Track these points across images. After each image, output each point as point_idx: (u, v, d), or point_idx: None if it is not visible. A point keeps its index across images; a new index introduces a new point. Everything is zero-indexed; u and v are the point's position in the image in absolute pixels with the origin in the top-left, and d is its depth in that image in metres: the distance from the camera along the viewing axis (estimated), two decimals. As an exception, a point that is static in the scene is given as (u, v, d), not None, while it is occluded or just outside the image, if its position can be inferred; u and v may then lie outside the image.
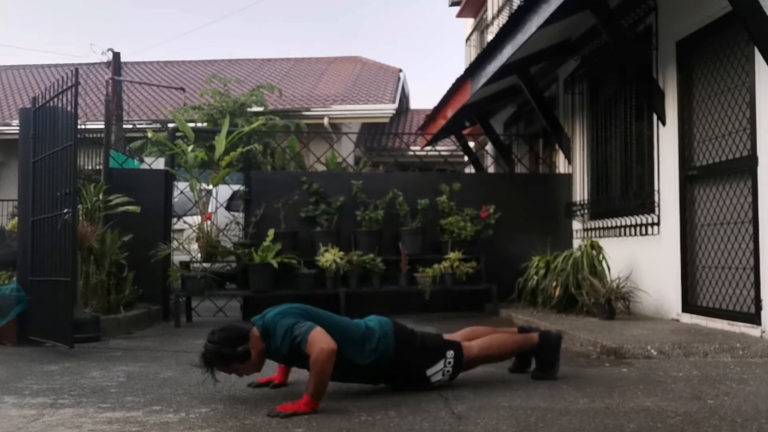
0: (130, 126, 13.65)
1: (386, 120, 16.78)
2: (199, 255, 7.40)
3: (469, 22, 18.32)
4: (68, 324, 5.21)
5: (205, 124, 13.36)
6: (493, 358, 3.86)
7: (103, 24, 71.69)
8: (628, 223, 6.71)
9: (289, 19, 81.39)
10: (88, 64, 17.81)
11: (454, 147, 14.52)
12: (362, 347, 3.51)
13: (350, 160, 10.56)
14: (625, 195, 6.92)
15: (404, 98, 20.39)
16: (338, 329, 3.46)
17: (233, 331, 3.49)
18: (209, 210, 8.29)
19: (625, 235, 6.81)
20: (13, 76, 21.21)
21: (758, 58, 4.77)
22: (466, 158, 12.98)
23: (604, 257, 6.61)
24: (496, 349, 3.82)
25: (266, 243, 7.22)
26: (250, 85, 15.99)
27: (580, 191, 8.01)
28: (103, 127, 8.58)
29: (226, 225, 7.98)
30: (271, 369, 3.87)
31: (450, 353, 3.66)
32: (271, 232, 7.31)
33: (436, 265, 7.42)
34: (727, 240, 5.33)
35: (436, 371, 3.62)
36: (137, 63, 22.02)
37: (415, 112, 20.26)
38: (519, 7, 5.92)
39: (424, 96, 64.97)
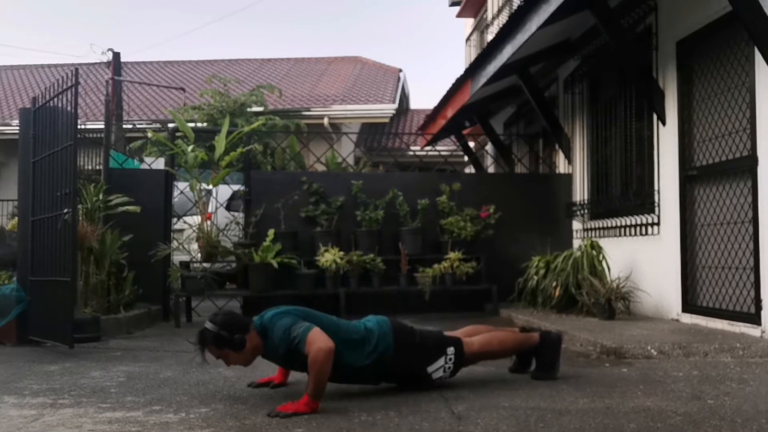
0: (130, 126, 13.66)
1: (386, 120, 16.78)
2: (199, 255, 7.40)
3: (469, 22, 18.32)
4: (68, 324, 5.21)
5: (205, 124, 13.37)
6: (493, 355, 3.87)
7: (103, 24, 71.76)
8: (628, 223, 6.71)
9: (289, 19, 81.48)
10: (88, 64, 17.81)
11: (454, 147, 14.52)
12: (362, 349, 3.50)
13: (350, 160, 10.56)
14: (625, 195, 6.92)
15: (404, 98, 20.39)
16: (336, 332, 3.44)
17: (236, 317, 3.54)
18: (209, 210, 8.28)
19: (625, 235, 6.81)
20: (13, 76, 21.21)
21: (758, 58, 4.77)
22: (466, 158, 12.98)
23: (604, 257, 6.61)
24: (497, 345, 3.82)
25: (266, 243, 7.22)
26: (250, 85, 15.99)
27: (580, 191, 8.00)
28: (103, 127, 8.58)
29: (226, 225, 7.96)
30: (271, 369, 3.87)
31: (450, 350, 3.66)
32: (271, 232, 7.30)
33: (436, 265, 7.42)
34: (727, 240, 5.33)
35: (437, 368, 3.62)
36: (137, 63, 22.02)
37: (415, 112, 20.26)
38: (519, 7, 5.92)
39: (424, 96, 65.10)
